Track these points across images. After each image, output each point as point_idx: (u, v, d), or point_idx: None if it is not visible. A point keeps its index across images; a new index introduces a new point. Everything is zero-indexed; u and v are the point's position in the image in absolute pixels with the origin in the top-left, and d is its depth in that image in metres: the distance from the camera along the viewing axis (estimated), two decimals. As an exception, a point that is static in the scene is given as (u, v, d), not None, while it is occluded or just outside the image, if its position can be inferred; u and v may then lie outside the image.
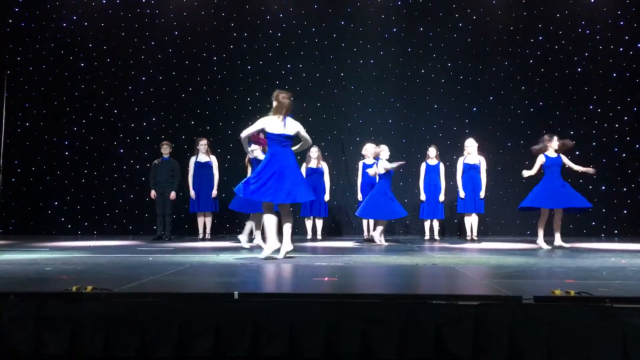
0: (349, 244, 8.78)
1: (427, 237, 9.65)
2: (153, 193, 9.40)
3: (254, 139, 7.01)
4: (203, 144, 9.46)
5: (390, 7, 11.27)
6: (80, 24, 11.15)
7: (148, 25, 11.21)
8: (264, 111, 10.79)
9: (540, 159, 8.08)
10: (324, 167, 9.58)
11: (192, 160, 9.49)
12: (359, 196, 9.41)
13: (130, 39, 11.15)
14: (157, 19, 11.24)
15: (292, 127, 6.00)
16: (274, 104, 6.07)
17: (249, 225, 7.82)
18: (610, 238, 10.22)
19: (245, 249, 7.39)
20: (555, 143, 8.11)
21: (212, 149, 9.60)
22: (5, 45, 11.01)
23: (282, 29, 11.22)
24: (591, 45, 10.94)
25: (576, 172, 8.23)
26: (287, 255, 5.95)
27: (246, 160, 9.34)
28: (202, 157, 9.44)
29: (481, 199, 9.20)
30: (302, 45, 11.22)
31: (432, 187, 9.50)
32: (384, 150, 8.66)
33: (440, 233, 9.82)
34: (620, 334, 2.98)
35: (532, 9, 11.03)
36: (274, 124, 5.96)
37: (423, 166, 9.62)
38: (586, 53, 10.93)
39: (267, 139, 6.06)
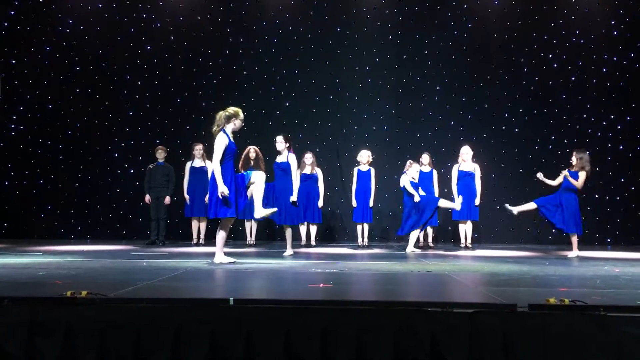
0: (343, 250, 8.79)
1: (421, 243, 9.65)
2: (148, 198, 9.39)
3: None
4: (198, 149, 9.46)
5: (387, 14, 11.31)
6: (76, 27, 11.14)
7: (144, 30, 11.21)
8: (259, 116, 10.90)
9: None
10: (319, 173, 9.57)
11: (188, 165, 9.48)
12: (354, 202, 9.41)
13: (126, 43, 11.14)
14: (153, 23, 11.23)
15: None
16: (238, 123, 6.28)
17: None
18: (603, 246, 10.26)
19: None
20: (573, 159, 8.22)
21: (207, 154, 9.59)
22: (0, 48, 10.98)
23: (278, 34, 11.24)
24: (585, 54, 11.00)
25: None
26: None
27: (240, 165, 9.35)
28: (198, 162, 9.44)
29: (476, 206, 9.22)
30: (298, 51, 11.24)
31: (426, 194, 9.49)
32: (412, 167, 8.78)
33: (434, 240, 9.84)
34: (614, 343, 2.99)
35: (527, 18, 11.10)
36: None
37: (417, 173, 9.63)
38: (580, 62, 10.99)
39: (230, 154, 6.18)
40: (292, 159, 7.61)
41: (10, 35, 11.05)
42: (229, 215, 6.05)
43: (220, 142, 6.07)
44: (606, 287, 4.37)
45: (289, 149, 7.66)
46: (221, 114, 6.24)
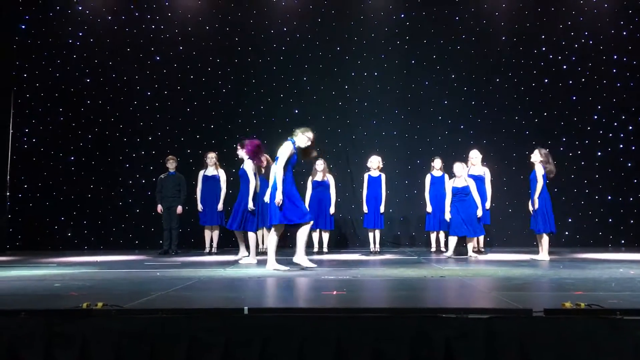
0: (355, 256, 8.78)
1: (433, 248, 9.63)
2: (160, 207, 9.41)
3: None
4: (211, 157, 9.45)
5: (394, 19, 11.32)
6: (86, 40, 11.22)
7: (153, 41, 11.28)
8: (269, 124, 10.93)
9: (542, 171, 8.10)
10: (330, 179, 9.58)
11: (201, 173, 9.49)
12: (365, 208, 9.40)
13: (135, 55, 11.21)
14: (162, 34, 11.30)
15: None
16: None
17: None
18: (617, 248, 10.19)
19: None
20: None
21: (220, 163, 9.60)
22: (12, 62, 11.09)
23: (286, 42, 11.28)
24: (594, 55, 10.95)
25: None
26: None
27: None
28: (210, 171, 9.43)
29: (486, 210, 9.17)
30: (306, 59, 11.26)
31: (438, 198, 9.46)
32: None
33: (447, 245, 9.79)
34: (631, 347, 2.97)
35: (535, 20, 11.07)
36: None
37: (428, 178, 9.60)
38: (590, 63, 10.94)
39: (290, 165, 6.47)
40: (248, 166, 7.75)
41: (21, 49, 11.15)
42: (275, 222, 6.34)
43: (286, 150, 6.37)
44: (622, 289, 4.34)
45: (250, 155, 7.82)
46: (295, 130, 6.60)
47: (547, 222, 7.98)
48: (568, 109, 10.91)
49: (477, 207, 8.55)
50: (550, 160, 8.18)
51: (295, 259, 6.44)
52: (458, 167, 8.72)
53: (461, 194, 8.60)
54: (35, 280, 5.43)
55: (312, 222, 6.57)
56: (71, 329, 3.19)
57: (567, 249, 9.86)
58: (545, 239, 7.99)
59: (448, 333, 3.06)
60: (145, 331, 3.18)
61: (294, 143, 6.50)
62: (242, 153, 7.88)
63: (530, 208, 8.13)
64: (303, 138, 6.52)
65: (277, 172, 6.32)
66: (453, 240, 8.64)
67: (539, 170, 8.06)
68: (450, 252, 8.58)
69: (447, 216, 8.70)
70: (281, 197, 6.23)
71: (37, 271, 6.43)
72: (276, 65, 11.23)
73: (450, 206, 8.65)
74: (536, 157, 8.19)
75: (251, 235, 7.82)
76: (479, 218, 8.53)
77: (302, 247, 6.43)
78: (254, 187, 7.66)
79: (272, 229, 6.47)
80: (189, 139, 11.00)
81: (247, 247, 8.01)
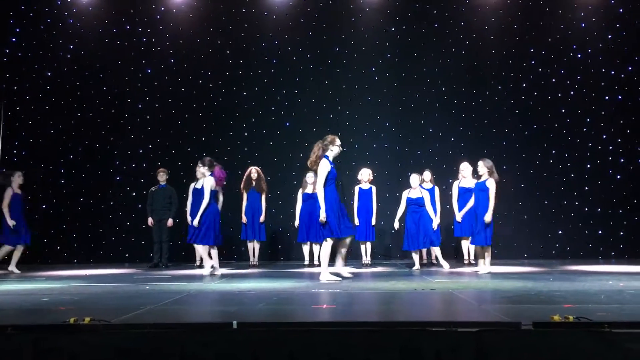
0: (346, 269, 8.75)
1: (424, 261, 9.62)
2: (150, 220, 9.38)
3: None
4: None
5: (384, 33, 11.38)
6: (77, 52, 11.23)
7: (144, 54, 11.30)
8: (260, 136, 10.93)
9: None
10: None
11: (192, 186, 9.45)
12: (356, 221, 9.39)
13: (126, 67, 11.22)
14: (153, 47, 11.32)
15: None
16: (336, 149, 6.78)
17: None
18: (607, 260, 10.22)
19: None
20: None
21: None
22: (2, 74, 11.07)
23: (277, 55, 11.32)
24: (583, 68, 11.05)
25: None
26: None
27: (242, 186, 9.40)
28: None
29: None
30: (297, 72, 11.30)
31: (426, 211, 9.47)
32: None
33: (436, 257, 9.79)
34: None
35: (524, 34, 11.17)
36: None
37: (418, 190, 9.62)
38: (578, 76, 11.05)
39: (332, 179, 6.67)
40: (207, 183, 7.93)
41: (11, 61, 11.14)
42: (329, 236, 6.55)
43: (324, 168, 6.55)
44: (611, 302, 4.36)
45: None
46: (319, 144, 6.75)
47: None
48: (557, 121, 10.99)
49: (431, 220, 8.66)
50: (494, 170, 8.12)
51: (336, 270, 6.77)
52: (414, 178, 8.84)
53: (415, 204, 8.70)
54: (23, 295, 5.39)
55: (352, 236, 6.96)
56: (59, 345, 3.16)
57: (557, 261, 9.89)
58: (488, 251, 8.06)
59: (438, 346, 3.06)
60: (133, 346, 3.15)
61: (327, 158, 6.68)
62: (203, 170, 8.04)
63: (488, 219, 7.88)
64: (335, 149, 6.78)
65: (317, 191, 6.61)
66: (415, 256, 8.74)
67: (492, 185, 7.96)
68: (416, 266, 8.62)
69: (396, 224, 8.90)
70: (324, 215, 6.44)
71: (25, 285, 6.38)
72: (267, 78, 11.26)
73: (406, 218, 8.75)
74: (483, 169, 8.10)
75: (204, 248, 8.00)
76: (435, 229, 8.67)
77: (328, 262, 6.71)
78: (206, 205, 7.83)
79: (325, 242, 6.67)
80: (180, 152, 10.99)
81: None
